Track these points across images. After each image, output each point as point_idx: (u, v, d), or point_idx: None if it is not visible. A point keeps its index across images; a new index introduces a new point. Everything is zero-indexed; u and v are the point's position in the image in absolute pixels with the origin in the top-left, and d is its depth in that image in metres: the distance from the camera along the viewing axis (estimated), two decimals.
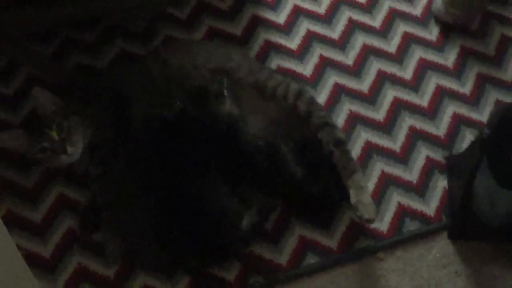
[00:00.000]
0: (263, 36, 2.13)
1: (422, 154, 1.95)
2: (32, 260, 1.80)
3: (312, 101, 1.90)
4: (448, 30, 2.15)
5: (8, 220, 1.83)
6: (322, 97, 2.02)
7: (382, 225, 1.86)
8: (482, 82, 2.07)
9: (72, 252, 1.83)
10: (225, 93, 1.85)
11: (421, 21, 2.17)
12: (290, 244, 1.84)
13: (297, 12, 2.17)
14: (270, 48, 2.10)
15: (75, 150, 1.79)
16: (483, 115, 2.01)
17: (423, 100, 2.03)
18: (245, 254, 1.82)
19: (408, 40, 2.13)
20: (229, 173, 1.79)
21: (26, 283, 1.37)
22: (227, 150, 1.80)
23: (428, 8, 2.18)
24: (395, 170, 1.93)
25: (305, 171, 1.82)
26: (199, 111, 1.83)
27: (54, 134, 1.76)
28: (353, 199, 1.77)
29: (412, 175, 1.92)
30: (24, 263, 1.35)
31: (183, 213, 1.75)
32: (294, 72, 2.07)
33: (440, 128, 1.99)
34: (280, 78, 1.93)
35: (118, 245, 1.80)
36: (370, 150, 1.96)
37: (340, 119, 1.99)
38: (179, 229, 1.74)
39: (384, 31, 2.15)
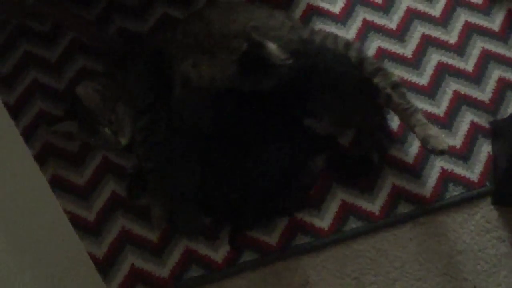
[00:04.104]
0: (306, 0, 2.10)
1: (466, 119, 1.92)
2: (77, 222, 1.83)
3: (362, 50, 1.90)
4: None
5: (53, 184, 1.87)
6: None
7: (425, 190, 1.85)
8: None
9: (116, 215, 1.86)
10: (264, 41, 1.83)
11: None
12: (332, 208, 1.84)
13: None
14: (313, 12, 2.08)
15: (127, 139, 1.83)
16: None
17: (468, 64, 2.00)
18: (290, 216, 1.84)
19: (453, 3, 2.08)
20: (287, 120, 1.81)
21: (72, 245, 1.39)
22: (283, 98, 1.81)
23: None
24: None
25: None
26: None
27: (107, 131, 1.80)
28: (420, 135, 1.76)
29: (455, 140, 1.90)
30: (69, 225, 1.37)
31: (229, 175, 1.77)
32: None
33: (485, 93, 1.96)
34: (325, 32, 1.93)
35: (162, 210, 1.82)
36: None
37: None
38: (224, 191, 1.76)
39: None
